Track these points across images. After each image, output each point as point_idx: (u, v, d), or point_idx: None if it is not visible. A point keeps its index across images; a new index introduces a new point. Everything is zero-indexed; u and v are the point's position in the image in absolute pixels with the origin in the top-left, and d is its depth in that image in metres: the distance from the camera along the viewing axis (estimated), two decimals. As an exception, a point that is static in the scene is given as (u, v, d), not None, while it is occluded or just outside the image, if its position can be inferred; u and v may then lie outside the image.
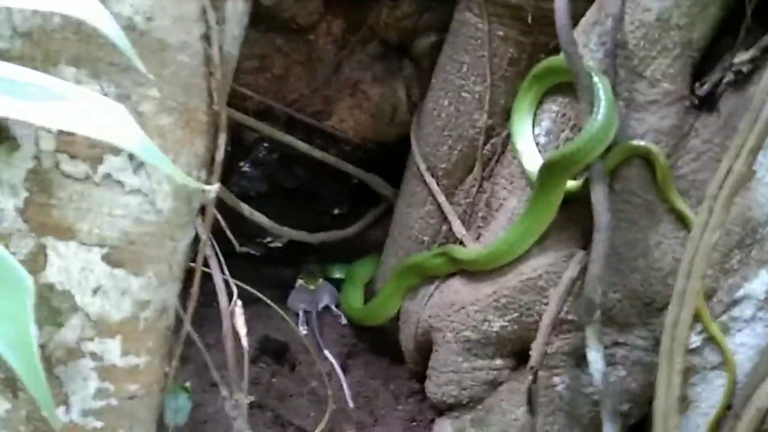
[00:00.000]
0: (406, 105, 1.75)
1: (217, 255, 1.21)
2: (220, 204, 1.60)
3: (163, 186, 0.85)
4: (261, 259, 2.01)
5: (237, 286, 1.88)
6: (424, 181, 1.52)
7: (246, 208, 1.68)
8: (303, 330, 1.73)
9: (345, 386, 1.59)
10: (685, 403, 1.08)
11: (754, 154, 0.82)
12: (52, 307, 0.84)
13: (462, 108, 1.42)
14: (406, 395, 1.64)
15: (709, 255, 0.87)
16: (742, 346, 1.00)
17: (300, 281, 1.80)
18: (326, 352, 1.67)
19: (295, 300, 1.79)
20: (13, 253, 0.80)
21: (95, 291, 0.85)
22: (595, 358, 1.08)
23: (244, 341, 1.18)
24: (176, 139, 0.83)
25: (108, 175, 0.82)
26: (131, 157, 0.79)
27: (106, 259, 0.84)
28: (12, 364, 0.46)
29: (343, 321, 1.77)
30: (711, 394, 1.04)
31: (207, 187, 0.72)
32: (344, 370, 1.65)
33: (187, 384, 1.41)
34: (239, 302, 1.21)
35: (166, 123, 0.81)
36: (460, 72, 1.42)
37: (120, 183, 0.82)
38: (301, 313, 1.76)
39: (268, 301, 1.49)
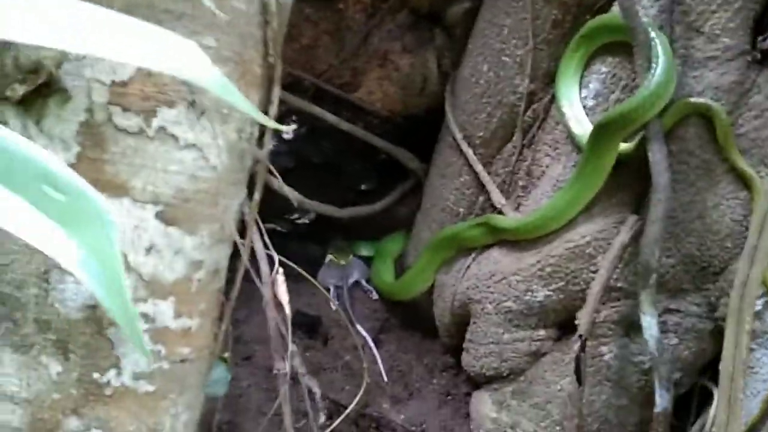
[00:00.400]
0: (437, 76, 1.72)
1: (257, 224, 1.18)
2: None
3: (218, 141, 0.82)
4: (288, 236, 1.98)
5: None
6: (460, 151, 1.49)
7: (275, 181, 1.65)
8: (334, 305, 1.71)
9: (379, 360, 1.57)
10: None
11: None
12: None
13: (502, 73, 1.39)
14: (440, 369, 1.62)
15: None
16: (809, 309, 0.97)
17: (330, 257, 1.78)
18: (358, 327, 1.65)
19: (325, 275, 1.77)
20: (64, 211, 0.77)
21: (148, 250, 0.82)
22: (649, 324, 1.05)
23: (287, 309, 1.16)
24: (232, 92, 0.79)
25: (162, 129, 0.79)
26: (192, 105, 0.76)
27: (160, 216, 0.81)
28: (101, 300, 0.44)
29: (374, 296, 1.75)
30: (772, 359, 1.01)
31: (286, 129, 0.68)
32: (376, 344, 1.63)
33: (226, 355, 1.39)
34: (281, 270, 1.18)
35: (223, 73, 0.78)
36: (500, 36, 1.38)
37: (174, 137, 0.79)
38: (332, 289, 1.74)
39: (304, 273, 1.46)
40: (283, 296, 1.16)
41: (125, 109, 0.78)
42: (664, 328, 1.15)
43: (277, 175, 1.65)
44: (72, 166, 0.78)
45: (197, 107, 0.78)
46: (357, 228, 1.89)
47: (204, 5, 0.74)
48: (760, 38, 1.03)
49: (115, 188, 0.79)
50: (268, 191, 1.64)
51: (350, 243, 1.89)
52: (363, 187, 1.99)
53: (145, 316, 0.84)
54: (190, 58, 0.51)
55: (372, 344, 1.61)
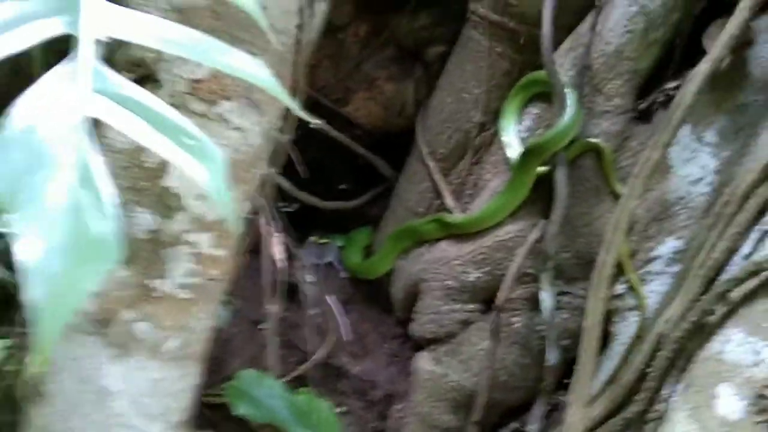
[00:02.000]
0: (413, 102, 2.10)
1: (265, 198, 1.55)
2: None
3: (254, 127, 1.19)
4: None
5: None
6: (424, 163, 1.87)
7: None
8: (310, 279, 2.07)
9: (341, 323, 1.93)
10: (609, 338, 1.45)
11: (665, 147, 1.20)
12: (166, 204, 1.17)
13: (461, 106, 1.79)
14: (391, 337, 1.98)
15: (630, 217, 1.24)
16: (653, 292, 1.37)
17: (312, 238, 2.13)
18: (327, 298, 2.01)
19: (305, 254, 2.12)
20: (143, 162, 1.13)
21: (199, 196, 1.18)
22: (545, 297, 1.45)
23: (280, 261, 1.52)
24: (269, 97, 1.17)
25: (220, 114, 1.16)
26: (243, 99, 1.13)
27: (210, 174, 1.18)
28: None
29: (343, 275, 2.11)
30: (628, 328, 1.41)
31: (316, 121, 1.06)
32: (343, 313, 1.99)
33: (230, 298, 1.74)
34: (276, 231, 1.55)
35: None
36: (462, 77, 1.78)
37: (227, 121, 1.16)
38: (309, 264, 2.09)
39: (289, 244, 1.82)
40: (278, 251, 1.52)
41: (196, 98, 1.15)
42: (558, 305, 1.55)
43: (295, 157, 2.00)
44: (156, 133, 1.14)
45: (246, 102, 1.16)
46: (332, 221, 2.24)
47: (261, 37, 1.12)
48: (639, 101, 1.46)
49: (182, 152, 1.16)
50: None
51: (329, 236, 2.25)
52: (342, 186, 2.37)
53: (191, 243, 1.20)
54: (253, 67, 0.88)
55: (336, 312, 1.96)
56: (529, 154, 1.49)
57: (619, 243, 1.25)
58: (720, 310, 1.15)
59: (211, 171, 0.73)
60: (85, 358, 1.20)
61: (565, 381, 1.53)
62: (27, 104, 0.64)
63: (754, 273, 1.07)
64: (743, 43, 1.21)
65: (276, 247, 1.52)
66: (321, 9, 1.21)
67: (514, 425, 1.65)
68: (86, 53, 0.69)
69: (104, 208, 0.62)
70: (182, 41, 0.80)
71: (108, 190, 0.63)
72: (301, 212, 2.19)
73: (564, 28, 1.59)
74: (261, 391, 1.46)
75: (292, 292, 1.99)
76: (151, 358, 1.22)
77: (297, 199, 2.18)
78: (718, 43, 1.16)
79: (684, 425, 1.20)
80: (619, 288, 1.42)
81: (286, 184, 2.03)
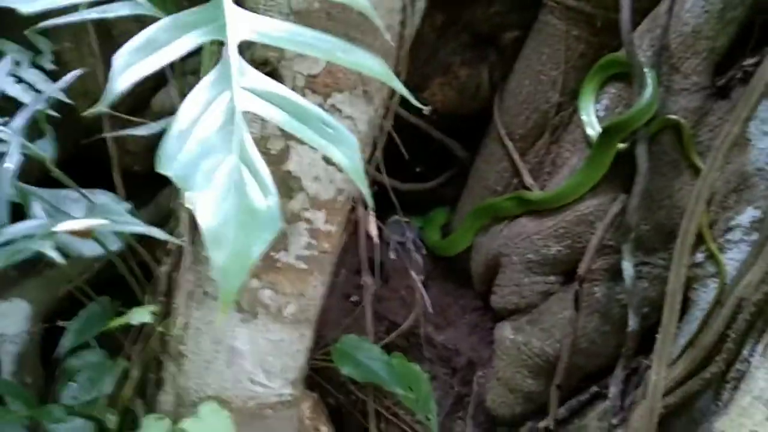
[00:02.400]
0: (488, 86, 2.19)
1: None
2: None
3: (362, 116, 1.33)
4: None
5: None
6: (502, 143, 1.97)
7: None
8: (393, 255, 2.21)
9: (425, 295, 2.06)
10: (688, 304, 1.54)
11: (745, 122, 1.27)
12: (288, 185, 1.32)
13: (539, 87, 1.88)
14: (471, 309, 2.10)
15: (710, 189, 1.33)
16: (732, 260, 1.45)
17: (395, 217, 2.26)
18: (412, 273, 2.15)
19: (389, 231, 2.26)
20: (269, 149, 1.29)
21: (315, 178, 1.33)
22: (626, 267, 1.54)
23: (376, 239, 1.66)
24: (376, 87, 1.31)
25: (333, 105, 1.30)
26: (357, 91, 1.27)
27: (324, 158, 1.32)
28: (350, 171, 0.90)
29: (424, 251, 2.24)
30: (707, 295, 1.49)
31: (425, 109, 1.19)
32: (424, 287, 2.13)
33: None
34: (372, 212, 1.69)
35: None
36: (540, 60, 1.87)
37: (339, 110, 1.30)
38: (392, 242, 2.23)
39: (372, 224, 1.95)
40: (373, 229, 1.66)
41: (313, 91, 1.29)
42: (639, 275, 1.63)
43: (398, 140, 2.12)
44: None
45: (356, 93, 1.29)
46: (409, 203, 2.36)
47: (369, 34, 1.25)
48: (717, 78, 1.52)
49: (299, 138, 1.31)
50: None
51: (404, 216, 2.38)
52: (417, 169, 2.49)
53: (307, 220, 1.36)
54: (369, 61, 1.00)
55: (420, 286, 2.10)
56: (610, 131, 1.57)
57: (700, 213, 1.34)
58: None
59: (346, 154, 0.84)
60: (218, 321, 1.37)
61: (644, 347, 1.63)
62: (192, 102, 0.76)
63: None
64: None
65: (371, 225, 1.66)
66: (420, 6, 1.33)
67: (594, 389, 1.75)
68: (233, 55, 0.79)
69: (264, 186, 0.74)
70: (309, 41, 0.89)
71: (265, 170, 0.74)
72: (380, 194, 2.33)
73: (639, 12, 1.66)
74: (362, 353, 1.61)
75: (379, 268, 2.13)
76: (274, 321, 1.38)
77: (376, 182, 2.33)
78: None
79: (764, 383, 1.28)
80: (699, 256, 1.50)
81: (368, 167, 2.17)
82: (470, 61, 2.20)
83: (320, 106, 1.30)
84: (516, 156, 1.93)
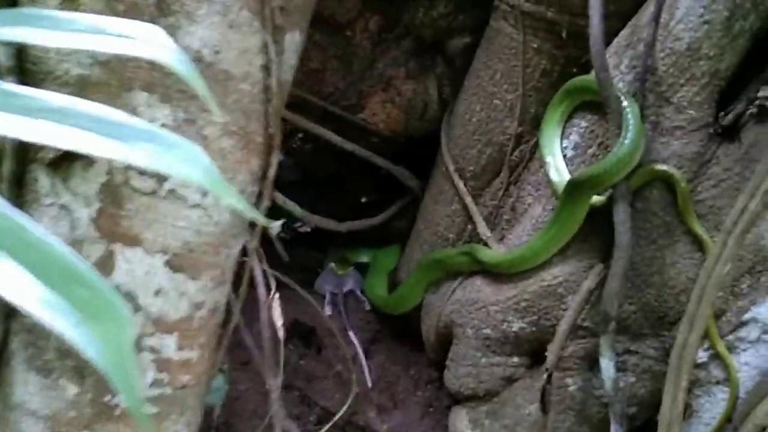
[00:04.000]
0: (437, 102, 1.80)
1: (258, 251, 1.29)
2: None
3: (221, 201, 0.92)
4: (290, 243, 2.10)
5: (270, 271, 1.96)
6: (452, 181, 1.58)
7: (280, 197, 1.76)
8: (329, 311, 1.83)
9: (366, 371, 1.69)
10: (689, 412, 1.16)
11: (765, 199, 0.88)
12: (117, 305, 0.93)
13: (493, 114, 1.48)
14: (425, 381, 1.73)
15: (720, 284, 0.94)
16: (746, 365, 1.07)
17: (331, 265, 1.88)
18: (351, 335, 1.77)
19: (322, 282, 1.89)
20: (86, 257, 0.89)
21: (157, 293, 0.94)
22: (607, 366, 1.16)
23: (281, 333, 1.28)
24: (235, 159, 0.90)
25: (172, 191, 0.90)
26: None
27: (168, 264, 0.93)
28: (115, 387, 0.54)
29: (367, 307, 1.86)
30: (713, 406, 1.11)
31: (273, 225, 0.79)
32: (367, 354, 1.75)
33: (225, 366, 1.52)
34: (277, 295, 1.30)
35: (227, 145, 0.88)
36: (492, 79, 1.47)
37: (183, 198, 0.90)
38: (327, 296, 1.85)
39: (298, 288, 1.58)
40: (278, 319, 1.27)
41: (141, 173, 0.89)
42: (623, 367, 1.26)
43: (279, 194, 1.75)
44: (93, 219, 0.89)
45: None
46: (356, 236, 2.00)
47: (215, 89, 0.85)
48: (722, 113, 1.12)
49: (129, 239, 0.91)
50: (273, 202, 1.76)
51: (351, 249, 2.00)
52: (364, 199, 2.11)
53: (152, 349, 0.96)
54: (187, 158, 0.61)
55: (362, 355, 1.72)
56: (579, 185, 1.18)
57: (707, 316, 0.95)
58: None
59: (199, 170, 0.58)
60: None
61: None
62: None
63: None
64: None
65: (275, 312, 1.26)
66: (294, 40, 0.91)
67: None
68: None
69: None
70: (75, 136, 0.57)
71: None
72: (322, 229, 1.95)
73: (619, 16, 1.25)
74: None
75: (308, 336, 1.76)
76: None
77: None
78: None
79: None
80: (702, 355, 1.12)
81: (297, 210, 1.78)
82: (415, 74, 1.83)
83: (154, 192, 0.90)
84: (468, 199, 1.55)
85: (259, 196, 0.98)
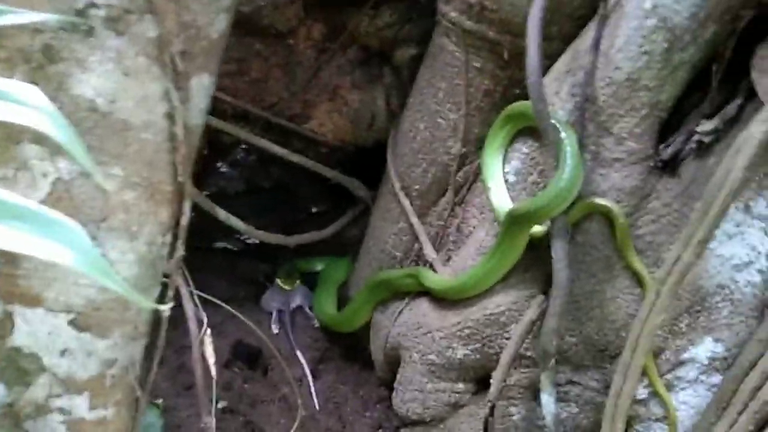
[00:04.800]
0: (386, 112, 1.75)
1: (186, 281, 1.23)
2: (196, 205, 1.62)
3: (127, 256, 0.86)
4: (238, 254, 2.04)
5: (211, 281, 1.89)
6: (398, 199, 1.54)
7: (222, 213, 1.69)
8: (276, 329, 1.78)
9: (314, 393, 1.65)
10: (629, 445, 1.14)
11: (702, 246, 0.85)
12: (20, 367, 0.87)
13: (437, 134, 1.43)
14: (375, 401, 1.70)
15: (654, 332, 0.91)
16: (684, 404, 1.05)
17: (278, 281, 1.83)
18: (299, 355, 1.72)
19: (268, 300, 1.83)
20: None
21: (62, 353, 0.87)
22: (547, 401, 1.13)
23: (213, 370, 1.22)
24: (140, 211, 0.84)
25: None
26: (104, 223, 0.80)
27: (73, 323, 0.86)
28: None
29: (316, 324, 1.82)
30: (653, 443, 1.10)
31: (162, 309, 0.74)
32: (316, 374, 1.71)
33: (159, 401, 1.46)
34: (208, 331, 1.24)
35: (130, 198, 0.82)
36: (436, 97, 1.42)
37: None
38: (274, 313, 1.80)
39: (236, 313, 1.52)
40: (210, 357, 1.22)
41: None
42: (566, 398, 1.24)
43: (221, 209, 1.68)
44: (-13, 280, 0.83)
45: (106, 227, 0.83)
46: (307, 248, 1.94)
47: (112, 139, 0.78)
48: (662, 146, 1.08)
49: (29, 299, 0.85)
50: (215, 218, 1.69)
51: (303, 259, 1.95)
52: (314, 210, 2.05)
53: (61, 410, 0.91)
54: (74, 244, 0.56)
55: (309, 376, 1.68)
56: (518, 218, 1.14)
57: (640, 366, 0.92)
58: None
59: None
60: None
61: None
62: None
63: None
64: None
65: (208, 351, 1.21)
66: (203, 84, 0.84)
67: None
68: None
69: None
70: None
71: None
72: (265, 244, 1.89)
73: (561, 38, 1.21)
74: None
75: (253, 358, 1.70)
76: None
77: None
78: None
79: None
80: (642, 392, 1.10)
81: (241, 225, 1.72)
82: (361, 84, 1.78)
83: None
84: (414, 219, 1.51)
85: (173, 245, 0.92)
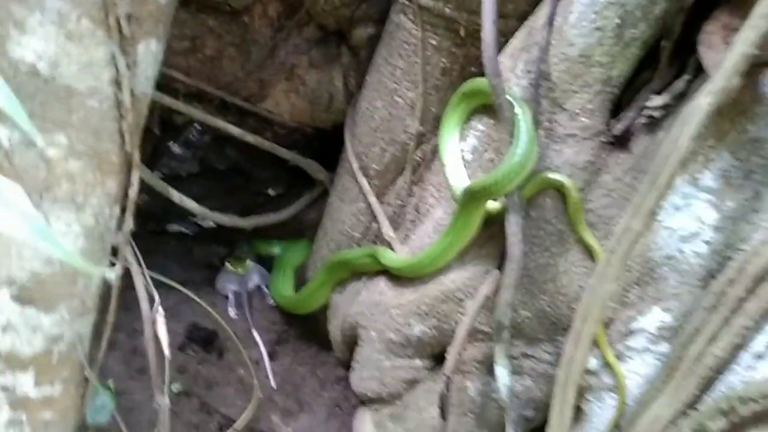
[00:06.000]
0: (344, 93, 1.74)
1: (138, 261, 1.20)
2: (150, 187, 1.58)
3: (73, 227, 0.83)
4: (193, 238, 2.00)
5: (166, 265, 1.85)
6: (356, 179, 1.53)
7: (176, 194, 1.66)
8: (233, 313, 1.76)
9: (270, 374, 1.63)
10: (579, 415, 1.17)
11: (651, 216, 0.87)
12: (-42, 344, 0.83)
13: (394, 112, 1.43)
14: (333, 381, 1.69)
15: (605, 300, 0.93)
16: (634, 373, 1.08)
17: (227, 264, 1.80)
18: (256, 336, 1.70)
19: (224, 282, 1.80)
20: None
21: (5, 328, 0.84)
22: (501, 373, 1.15)
23: (167, 350, 1.20)
24: (86, 182, 0.81)
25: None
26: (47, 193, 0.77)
27: (16, 298, 0.83)
28: None
29: (273, 304, 1.80)
30: (604, 412, 1.12)
31: (110, 277, 0.71)
32: (273, 355, 1.69)
33: (110, 382, 1.42)
34: (160, 309, 1.21)
35: (76, 167, 0.79)
36: (393, 76, 1.41)
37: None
38: (230, 295, 1.77)
39: (190, 294, 1.49)
40: (163, 336, 1.19)
41: (-24, 198, 0.79)
42: (520, 371, 1.26)
43: (175, 190, 1.65)
44: None
45: (50, 198, 0.80)
46: (264, 230, 1.92)
47: (55, 106, 0.75)
48: (613, 121, 1.11)
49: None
50: (168, 199, 1.65)
51: (261, 241, 1.92)
52: (271, 192, 2.02)
53: (4, 388, 0.87)
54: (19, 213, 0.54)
55: (266, 357, 1.66)
56: (473, 194, 1.15)
57: (596, 323, 0.94)
58: (719, 426, 0.86)
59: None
60: None
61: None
62: None
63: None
64: (759, 65, 0.86)
65: (161, 330, 1.18)
66: (151, 50, 0.82)
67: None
68: None
69: None
70: None
71: None
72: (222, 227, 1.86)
73: (517, 15, 1.22)
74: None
75: (209, 340, 1.68)
76: None
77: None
78: (725, 67, 0.81)
79: None
80: (593, 362, 1.12)
81: (195, 207, 1.69)
82: (318, 63, 1.75)
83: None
84: (372, 198, 1.50)
85: (122, 216, 0.89)
